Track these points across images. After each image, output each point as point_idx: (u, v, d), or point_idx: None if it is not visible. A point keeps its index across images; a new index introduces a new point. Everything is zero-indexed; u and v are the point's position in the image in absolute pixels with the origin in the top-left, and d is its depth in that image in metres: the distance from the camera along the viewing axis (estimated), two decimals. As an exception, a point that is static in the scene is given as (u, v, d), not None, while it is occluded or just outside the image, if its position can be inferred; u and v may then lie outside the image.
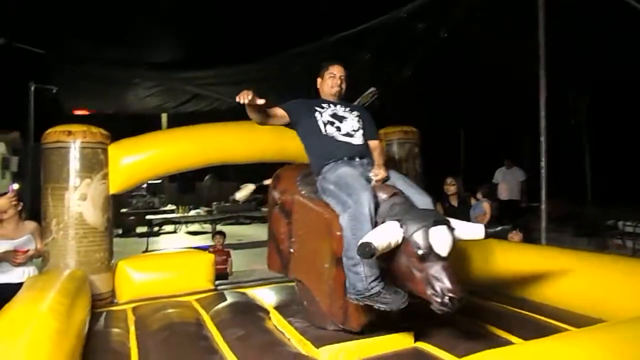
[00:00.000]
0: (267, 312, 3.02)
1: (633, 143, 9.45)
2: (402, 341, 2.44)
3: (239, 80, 5.93)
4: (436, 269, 2.05)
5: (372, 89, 5.66)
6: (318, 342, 2.34)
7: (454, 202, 4.73)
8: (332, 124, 2.76)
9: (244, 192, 3.89)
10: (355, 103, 5.37)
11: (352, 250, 2.20)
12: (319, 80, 2.94)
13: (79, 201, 3.39)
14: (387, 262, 2.20)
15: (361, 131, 2.80)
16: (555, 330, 2.36)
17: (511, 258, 3.35)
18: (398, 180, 2.55)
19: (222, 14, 5.61)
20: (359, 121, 2.84)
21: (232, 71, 5.87)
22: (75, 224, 3.37)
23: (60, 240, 3.36)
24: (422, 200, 2.41)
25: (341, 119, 2.80)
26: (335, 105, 2.86)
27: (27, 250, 3.37)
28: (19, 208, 3.50)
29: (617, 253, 6.62)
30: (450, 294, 2.00)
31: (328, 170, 2.59)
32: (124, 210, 10.84)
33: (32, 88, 8.12)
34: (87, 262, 3.38)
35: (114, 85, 7.19)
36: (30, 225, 3.54)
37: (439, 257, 2.06)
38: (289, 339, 2.57)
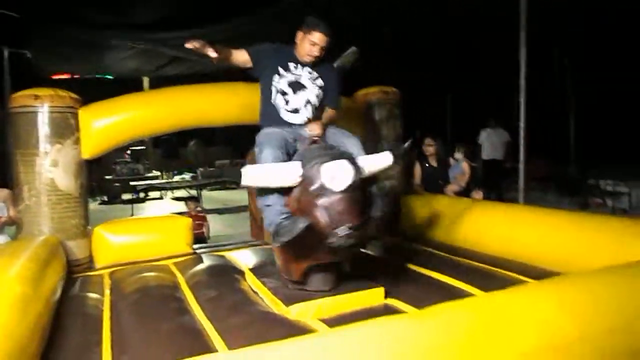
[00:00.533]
0: (242, 273, 3.03)
1: (618, 103, 9.47)
2: (372, 298, 2.46)
3: (215, 41, 5.74)
4: (330, 201, 2.06)
5: (352, 48, 5.51)
6: (288, 301, 2.36)
7: (433, 162, 4.73)
8: (283, 94, 2.74)
9: None
10: (335, 64, 5.26)
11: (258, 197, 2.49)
12: (299, 34, 2.73)
13: (51, 167, 3.32)
14: (294, 203, 2.26)
15: (310, 106, 2.77)
16: (517, 284, 2.42)
17: (477, 216, 3.39)
18: (335, 135, 2.61)
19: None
20: (317, 95, 2.79)
21: (206, 31, 5.68)
22: (47, 191, 3.31)
23: (33, 207, 3.31)
24: (353, 145, 2.51)
25: (299, 87, 2.75)
26: (303, 68, 2.77)
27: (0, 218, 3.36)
28: (-10, 175, 3.46)
29: (597, 211, 6.75)
30: (345, 223, 2.00)
31: (261, 131, 2.71)
32: (108, 177, 10.74)
33: (6, 53, 7.88)
34: (62, 228, 3.34)
35: (90, 47, 6.96)
36: (2, 192, 3.51)
37: (335, 192, 2.07)
38: (262, 299, 2.60)
